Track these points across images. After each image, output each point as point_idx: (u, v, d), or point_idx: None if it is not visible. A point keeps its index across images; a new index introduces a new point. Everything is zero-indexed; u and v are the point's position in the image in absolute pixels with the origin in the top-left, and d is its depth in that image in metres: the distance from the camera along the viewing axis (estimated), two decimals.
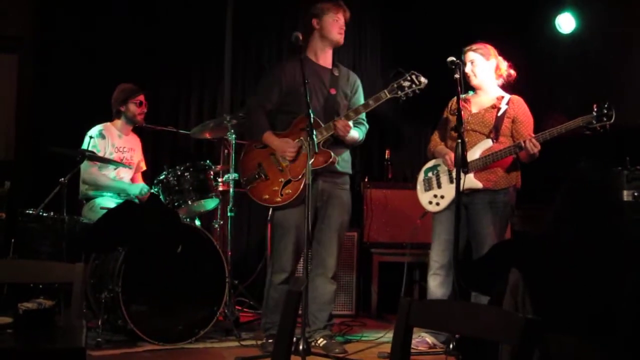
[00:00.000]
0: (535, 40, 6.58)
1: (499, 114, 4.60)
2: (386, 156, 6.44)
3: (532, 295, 2.78)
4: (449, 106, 4.83)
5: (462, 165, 4.18)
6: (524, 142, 4.41)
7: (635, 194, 4.83)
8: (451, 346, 4.25)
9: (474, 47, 4.70)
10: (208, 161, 5.21)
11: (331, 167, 4.47)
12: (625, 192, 4.87)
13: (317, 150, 4.13)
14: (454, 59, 4.40)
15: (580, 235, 2.90)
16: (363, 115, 4.65)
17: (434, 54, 4.69)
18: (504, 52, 4.81)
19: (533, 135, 4.47)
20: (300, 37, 4.30)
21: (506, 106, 4.63)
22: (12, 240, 4.78)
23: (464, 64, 4.63)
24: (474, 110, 4.69)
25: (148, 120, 5.72)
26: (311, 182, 4.25)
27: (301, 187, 4.39)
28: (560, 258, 2.85)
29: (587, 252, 2.84)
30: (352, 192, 4.83)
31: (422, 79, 4.39)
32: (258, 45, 6.67)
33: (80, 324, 2.68)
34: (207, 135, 5.61)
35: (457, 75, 4.33)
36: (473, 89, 4.79)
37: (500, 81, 4.75)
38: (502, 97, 4.68)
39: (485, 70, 4.70)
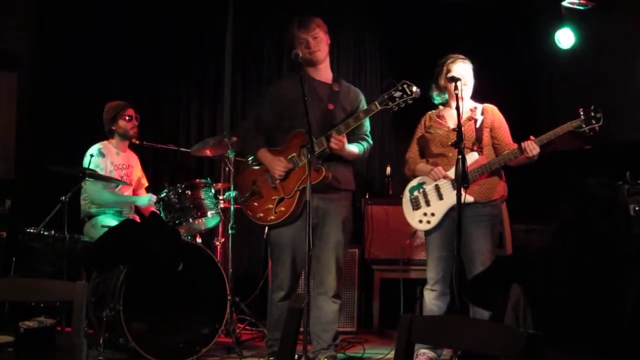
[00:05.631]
0: (534, 55, 6.61)
1: (478, 126, 4.52)
2: (387, 172, 6.43)
3: (533, 311, 2.77)
4: (423, 123, 4.74)
5: (463, 180, 4.15)
6: (524, 144, 4.36)
7: (637, 208, 4.82)
8: None
9: (456, 56, 4.64)
10: (209, 179, 5.21)
11: (327, 183, 4.33)
12: None
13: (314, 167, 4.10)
14: (454, 75, 4.40)
15: (582, 250, 2.89)
16: (367, 130, 4.59)
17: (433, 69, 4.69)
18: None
19: (534, 139, 4.41)
20: (300, 54, 4.30)
21: (482, 116, 4.58)
22: (13, 258, 4.78)
23: (442, 73, 4.59)
24: (451, 125, 4.53)
25: (148, 138, 5.72)
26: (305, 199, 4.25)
27: (294, 204, 4.34)
28: (562, 273, 2.84)
29: (588, 268, 2.83)
30: (354, 209, 4.77)
31: (414, 89, 4.29)
32: (257, 62, 6.70)
33: (81, 343, 2.67)
34: (208, 153, 5.63)
35: (456, 91, 4.30)
36: (444, 102, 4.71)
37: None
38: (475, 108, 4.59)
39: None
